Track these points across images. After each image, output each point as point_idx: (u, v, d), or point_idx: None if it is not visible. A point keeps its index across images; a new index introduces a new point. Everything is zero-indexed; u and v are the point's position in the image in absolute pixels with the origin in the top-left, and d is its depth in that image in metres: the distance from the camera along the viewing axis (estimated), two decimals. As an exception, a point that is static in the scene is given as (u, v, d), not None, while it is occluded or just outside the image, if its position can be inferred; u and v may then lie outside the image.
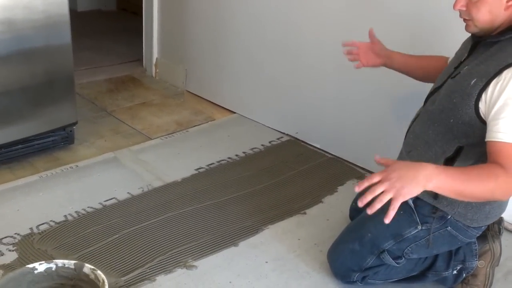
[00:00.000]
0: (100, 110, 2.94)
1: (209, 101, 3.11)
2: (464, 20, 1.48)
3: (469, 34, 1.55)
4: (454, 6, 1.47)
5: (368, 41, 1.86)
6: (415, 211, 1.60)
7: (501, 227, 1.74)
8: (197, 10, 3.04)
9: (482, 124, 1.43)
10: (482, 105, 1.41)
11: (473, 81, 1.42)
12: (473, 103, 1.42)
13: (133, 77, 3.44)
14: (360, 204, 1.28)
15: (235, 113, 2.98)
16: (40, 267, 1.44)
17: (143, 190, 2.20)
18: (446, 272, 1.68)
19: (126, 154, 2.48)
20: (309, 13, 2.50)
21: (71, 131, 2.47)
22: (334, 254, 1.73)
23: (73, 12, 2.40)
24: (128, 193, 2.17)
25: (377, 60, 1.87)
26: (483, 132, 1.41)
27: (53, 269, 1.45)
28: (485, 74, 1.41)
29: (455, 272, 1.68)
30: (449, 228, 1.60)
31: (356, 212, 1.95)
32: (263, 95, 2.82)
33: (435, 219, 1.59)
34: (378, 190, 1.25)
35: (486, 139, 1.39)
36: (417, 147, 1.61)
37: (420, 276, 1.70)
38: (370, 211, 1.26)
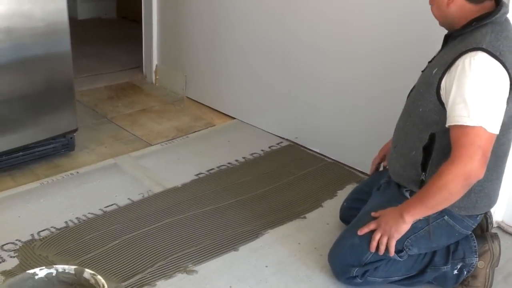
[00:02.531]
0: (100, 117, 2.95)
1: (209, 107, 3.12)
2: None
3: None
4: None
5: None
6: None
7: (489, 223, 1.78)
8: (196, 17, 3.06)
9: (446, 109, 1.51)
10: (442, 92, 1.52)
11: (435, 70, 1.55)
12: (435, 91, 1.53)
13: (133, 84, 3.45)
14: (372, 250, 1.63)
15: (234, 118, 2.99)
16: (41, 272, 1.45)
17: (143, 196, 2.21)
18: (445, 267, 1.68)
19: (126, 160, 2.49)
20: (308, 20, 2.51)
21: (71, 138, 2.48)
22: (334, 252, 1.75)
23: (73, 20, 2.42)
24: (128, 199, 2.18)
25: None
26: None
27: (53, 274, 1.46)
28: (444, 63, 1.52)
29: (455, 271, 1.69)
30: (446, 217, 1.62)
31: (347, 211, 1.99)
32: (263, 100, 2.83)
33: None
34: (377, 236, 1.61)
35: (447, 125, 1.49)
36: (400, 140, 1.71)
37: (419, 274, 1.70)
38: (380, 253, 1.62)
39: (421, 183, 1.62)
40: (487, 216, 1.78)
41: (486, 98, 1.43)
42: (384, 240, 1.60)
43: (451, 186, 1.46)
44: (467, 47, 1.47)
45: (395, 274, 1.69)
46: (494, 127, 1.44)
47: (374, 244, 1.62)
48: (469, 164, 1.43)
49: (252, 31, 2.77)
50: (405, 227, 1.57)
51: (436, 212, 1.61)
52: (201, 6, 3.01)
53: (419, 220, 1.61)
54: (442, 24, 1.62)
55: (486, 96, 1.43)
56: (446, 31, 1.66)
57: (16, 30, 2.14)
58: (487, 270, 1.70)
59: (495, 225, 2.08)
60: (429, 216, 1.61)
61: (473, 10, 1.52)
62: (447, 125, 1.48)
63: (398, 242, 1.63)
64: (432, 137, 1.58)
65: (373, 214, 1.68)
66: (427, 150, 1.60)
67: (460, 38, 1.54)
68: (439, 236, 1.65)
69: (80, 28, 4.11)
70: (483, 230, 1.78)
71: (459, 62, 1.46)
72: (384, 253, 1.63)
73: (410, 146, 1.64)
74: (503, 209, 2.10)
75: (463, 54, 1.46)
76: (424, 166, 1.62)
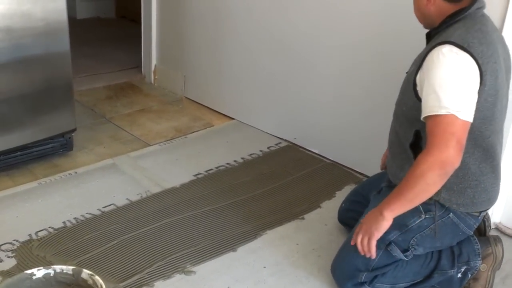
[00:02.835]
0: (99, 117, 2.95)
1: (208, 108, 3.12)
2: None
3: None
4: None
5: None
6: None
7: (486, 226, 1.78)
8: (195, 18, 3.05)
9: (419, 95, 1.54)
10: (418, 88, 1.53)
11: (412, 68, 1.59)
12: (412, 87, 1.55)
13: (132, 84, 3.45)
14: (361, 252, 1.61)
15: (233, 119, 2.99)
16: (39, 273, 1.45)
17: (141, 196, 2.21)
18: (452, 271, 1.68)
19: (125, 161, 2.49)
20: (308, 21, 2.51)
21: (70, 138, 2.48)
22: (340, 256, 1.73)
23: (72, 20, 2.42)
24: (126, 199, 2.18)
25: None
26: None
27: (51, 274, 1.45)
28: (418, 60, 1.56)
29: (460, 275, 1.69)
30: (451, 215, 1.62)
31: (346, 212, 1.98)
32: (262, 101, 2.83)
33: (437, 207, 1.61)
34: (358, 238, 1.60)
35: (421, 118, 1.50)
36: (393, 142, 1.72)
37: (425, 279, 1.70)
38: (361, 253, 1.61)
39: None
40: (485, 219, 1.78)
41: (455, 87, 1.44)
42: (365, 241, 1.57)
43: (427, 175, 1.44)
44: (438, 42, 1.50)
45: (402, 280, 1.68)
46: (466, 114, 1.44)
47: (359, 248, 1.60)
48: (444, 152, 1.42)
49: (252, 32, 2.77)
50: (385, 224, 1.54)
51: (442, 210, 1.61)
52: (200, 6, 3.01)
53: (425, 218, 1.61)
54: (424, 24, 1.65)
55: (455, 84, 1.44)
56: None
57: (16, 29, 2.14)
58: (489, 273, 1.70)
59: (493, 226, 2.08)
60: (435, 214, 1.61)
61: (451, 9, 1.55)
62: (421, 118, 1.49)
63: (403, 241, 1.63)
64: (417, 134, 1.59)
65: (361, 220, 1.65)
66: (415, 148, 1.60)
67: (436, 35, 1.57)
68: (444, 234, 1.65)
69: (79, 27, 4.10)
70: (481, 233, 1.78)
71: (429, 56, 1.49)
72: (387, 246, 1.63)
73: (400, 146, 1.66)
74: (501, 211, 2.10)
75: (432, 49, 1.49)
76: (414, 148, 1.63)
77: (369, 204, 1.77)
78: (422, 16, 1.63)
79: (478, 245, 1.70)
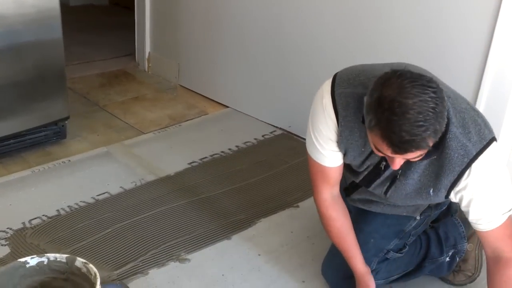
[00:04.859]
0: (92, 105, 2.93)
1: (202, 95, 3.10)
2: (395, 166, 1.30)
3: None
4: (392, 167, 1.28)
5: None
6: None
7: None
8: (189, 4, 3.03)
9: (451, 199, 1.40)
10: (453, 200, 1.39)
11: (431, 191, 1.38)
12: (443, 199, 1.40)
13: (126, 71, 3.43)
14: None
15: (228, 107, 2.98)
16: (32, 261, 1.44)
17: (136, 184, 2.20)
18: (441, 258, 1.69)
19: (118, 149, 2.48)
20: (302, 7, 2.50)
21: (63, 125, 2.46)
22: (331, 262, 1.67)
23: (65, 6, 2.40)
24: (121, 187, 2.17)
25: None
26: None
27: (45, 263, 1.44)
28: (441, 185, 1.35)
29: (448, 259, 1.70)
30: (443, 208, 1.65)
31: None
32: (256, 89, 2.82)
33: (433, 208, 1.62)
34: None
35: (478, 231, 1.40)
36: (379, 204, 1.58)
37: (417, 268, 1.70)
38: None
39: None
40: None
41: (506, 188, 1.36)
42: None
43: None
44: (461, 164, 1.30)
45: (395, 272, 1.67)
46: None
47: None
48: None
49: (246, 19, 2.75)
50: None
51: (437, 208, 1.63)
52: (194, -7, 2.98)
53: (420, 217, 1.61)
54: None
55: (505, 185, 1.36)
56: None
57: (7, 16, 2.12)
58: (476, 252, 1.72)
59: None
60: (431, 212, 1.62)
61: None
62: (481, 231, 1.39)
63: (400, 243, 1.61)
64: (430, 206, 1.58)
65: None
66: (425, 211, 1.60)
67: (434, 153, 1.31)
68: (430, 219, 1.68)
69: (72, 14, 4.06)
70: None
71: (465, 181, 1.32)
72: (385, 255, 1.61)
73: (400, 212, 1.59)
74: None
75: (463, 173, 1.31)
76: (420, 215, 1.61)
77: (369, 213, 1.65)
78: None
79: (462, 227, 1.71)
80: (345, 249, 1.55)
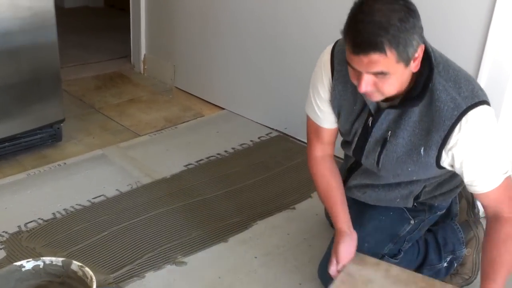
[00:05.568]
0: (88, 107, 2.93)
1: (198, 97, 3.10)
2: (367, 94, 1.34)
3: None
4: (360, 89, 1.30)
5: None
6: (405, 209, 1.62)
7: (475, 201, 1.77)
8: (185, 6, 3.03)
9: (451, 167, 1.40)
10: (445, 165, 1.39)
11: (422, 150, 1.38)
12: (435, 165, 1.40)
13: (121, 73, 3.42)
14: None
15: (224, 109, 2.97)
16: (28, 264, 1.44)
17: (131, 187, 2.20)
18: (439, 264, 1.69)
19: (114, 151, 2.47)
20: (299, 9, 2.50)
21: (58, 128, 2.46)
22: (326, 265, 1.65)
23: (60, 9, 2.39)
24: (116, 190, 2.17)
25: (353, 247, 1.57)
26: (453, 171, 1.42)
27: (40, 266, 1.44)
28: (432, 142, 1.36)
29: (445, 264, 1.70)
30: (438, 213, 1.65)
31: None
32: (252, 91, 2.82)
33: (427, 212, 1.63)
34: None
35: (475, 193, 1.41)
36: (374, 188, 1.59)
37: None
38: None
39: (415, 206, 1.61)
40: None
41: (498, 150, 1.36)
42: None
43: None
44: (450, 118, 1.31)
45: None
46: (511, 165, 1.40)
47: None
48: None
49: (243, 21, 2.75)
50: None
51: (430, 213, 1.63)
52: (190, -5, 2.98)
53: (415, 222, 1.62)
54: (386, 97, 1.35)
55: (497, 148, 1.36)
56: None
57: (2, 18, 2.11)
58: (474, 256, 1.72)
59: (482, 215, 2.09)
60: (424, 217, 1.63)
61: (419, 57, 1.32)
62: (474, 194, 1.41)
63: (395, 248, 1.61)
64: (424, 187, 1.55)
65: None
66: (418, 196, 1.58)
67: (422, 105, 1.35)
68: (427, 225, 1.68)
69: (67, 16, 4.05)
70: (476, 221, 1.77)
71: (455, 137, 1.32)
72: (380, 260, 1.60)
73: (395, 195, 1.58)
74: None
75: (453, 128, 1.31)
76: (413, 203, 1.60)
77: (365, 210, 1.66)
78: (400, 86, 1.33)
79: (462, 233, 1.71)
80: (329, 206, 1.59)
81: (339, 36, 2.19)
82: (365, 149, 1.49)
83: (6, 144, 2.29)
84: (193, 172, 2.34)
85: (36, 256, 1.71)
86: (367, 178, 1.59)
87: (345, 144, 1.62)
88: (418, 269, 1.69)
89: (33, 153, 2.40)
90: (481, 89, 1.37)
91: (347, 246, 1.52)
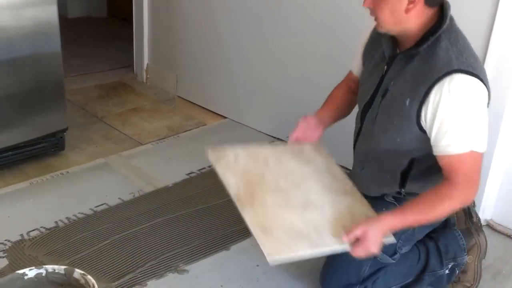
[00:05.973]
0: (90, 116, 2.94)
1: (200, 106, 3.11)
2: (375, 19, 1.46)
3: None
4: (363, 3, 1.45)
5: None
6: (397, 205, 1.61)
7: (472, 211, 1.77)
8: (187, 16, 3.05)
9: (428, 136, 1.43)
10: (423, 123, 1.43)
11: (407, 101, 1.42)
12: (415, 122, 1.43)
13: (124, 83, 3.44)
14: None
15: (226, 118, 2.99)
16: (30, 272, 1.44)
17: (134, 196, 2.20)
18: (441, 270, 1.69)
19: (117, 160, 2.48)
20: (302, 18, 2.52)
21: (61, 137, 2.47)
22: (328, 272, 1.67)
23: (63, 18, 2.41)
24: (119, 198, 2.17)
25: (316, 133, 1.74)
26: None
27: (43, 274, 1.45)
28: (416, 94, 1.40)
29: (447, 271, 1.70)
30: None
31: None
32: (255, 100, 2.83)
33: None
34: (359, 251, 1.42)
35: (435, 153, 1.43)
36: (369, 163, 1.64)
37: (417, 280, 1.69)
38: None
39: (399, 195, 1.61)
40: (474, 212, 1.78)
41: (475, 122, 1.38)
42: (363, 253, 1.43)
43: (447, 210, 1.42)
44: (438, 72, 1.36)
45: (393, 282, 1.66)
46: (483, 146, 1.41)
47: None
48: (471, 191, 1.41)
49: (245, 30, 2.77)
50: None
51: (443, 226, 1.66)
52: (192, 4, 3.00)
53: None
54: (386, 30, 1.45)
55: (475, 119, 1.38)
56: None
57: (5, 28, 2.13)
58: (476, 263, 1.72)
59: (484, 223, 2.10)
60: None
61: (429, 17, 1.40)
62: (436, 154, 1.42)
63: (390, 247, 1.59)
64: (411, 161, 1.54)
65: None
66: (405, 174, 1.57)
67: (418, 58, 1.42)
68: (421, 228, 1.65)
69: (70, 26, 4.08)
70: (477, 229, 1.77)
71: (437, 91, 1.36)
72: (378, 264, 1.60)
73: (385, 170, 1.59)
74: (492, 208, 2.12)
75: (437, 82, 1.36)
76: (402, 184, 1.59)
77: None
78: (396, 23, 1.40)
79: (463, 240, 1.71)
80: (326, 99, 1.81)
81: (342, 50, 2.26)
82: (374, 102, 1.56)
83: (10, 153, 2.30)
84: (195, 181, 2.34)
85: (38, 264, 1.71)
86: (363, 143, 1.65)
87: (360, 100, 1.66)
88: (420, 275, 1.68)
89: (36, 162, 2.41)
90: (483, 71, 1.41)
91: (311, 124, 1.71)
